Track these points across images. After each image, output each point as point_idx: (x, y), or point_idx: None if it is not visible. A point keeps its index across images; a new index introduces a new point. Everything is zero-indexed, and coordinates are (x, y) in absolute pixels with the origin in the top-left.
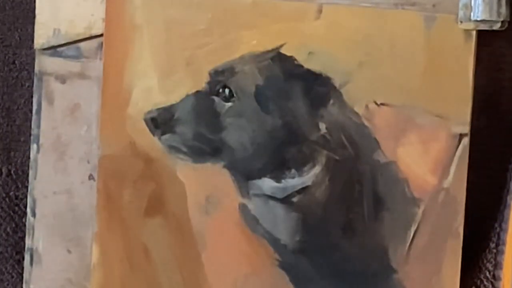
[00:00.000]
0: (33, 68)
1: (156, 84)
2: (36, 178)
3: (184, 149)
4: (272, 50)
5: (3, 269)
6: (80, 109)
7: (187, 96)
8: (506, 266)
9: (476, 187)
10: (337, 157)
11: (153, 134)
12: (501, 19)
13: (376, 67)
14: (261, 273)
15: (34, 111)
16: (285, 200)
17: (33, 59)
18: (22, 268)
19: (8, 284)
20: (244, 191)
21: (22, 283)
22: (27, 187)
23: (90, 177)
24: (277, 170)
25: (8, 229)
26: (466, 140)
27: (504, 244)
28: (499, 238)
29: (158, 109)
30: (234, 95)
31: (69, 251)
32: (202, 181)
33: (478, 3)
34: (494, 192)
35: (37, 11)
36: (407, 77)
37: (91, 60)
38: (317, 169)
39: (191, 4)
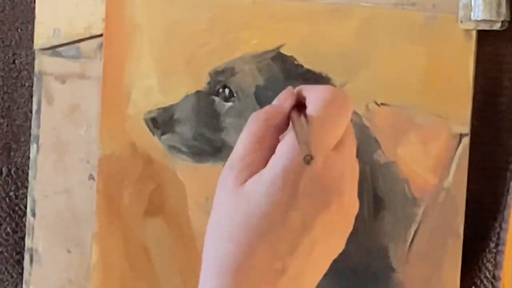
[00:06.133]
0: (33, 68)
1: (156, 84)
2: (36, 178)
3: (184, 149)
4: (272, 50)
5: (3, 269)
6: (80, 109)
7: (187, 96)
8: (506, 266)
9: (476, 187)
10: None
11: (153, 134)
12: (501, 19)
13: (376, 67)
14: None
15: (34, 111)
16: None
17: (33, 59)
18: (22, 268)
19: (8, 284)
20: None
21: (22, 283)
22: (27, 187)
23: (90, 177)
24: None
25: (8, 229)
26: (466, 140)
27: (504, 244)
28: (499, 238)
29: (158, 109)
30: (234, 95)
31: (69, 251)
32: (202, 181)
33: (478, 3)
34: (494, 192)
35: (37, 11)
36: (407, 77)
37: (91, 60)
38: None
39: (191, 4)
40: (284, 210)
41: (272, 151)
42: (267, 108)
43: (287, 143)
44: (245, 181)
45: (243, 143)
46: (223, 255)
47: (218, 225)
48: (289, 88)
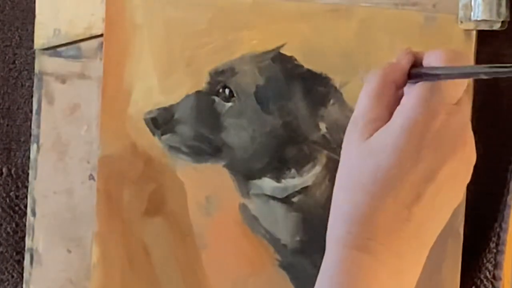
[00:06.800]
0: (33, 68)
1: (156, 84)
2: (36, 178)
3: (184, 149)
4: (272, 50)
5: (3, 269)
6: (80, 109)
7: (187, 96)
8: (506, 266)
9: (476, 187)
10: (337, 157)
11: (153, 134)
12: (501, 19)
13: (376, 67)
14: (261, 273)
15: (34, 111)
16: (285, 200)
17: (33, 59)
18: (22, 268)
19: (8, 284)
20: (244, 191)
21: (22, 283)
22: (27, 187)
23: (90, 177)
24: (277, 170)
25: (8, 229)
26: None
27: (504, 244)
28: (499, 238)
29: (158, 109)
30: (234, 95)
31: (69, 251)
32: (202, 181)
33: (478, 3)
34: (494, 192)
35: (37, 11)
36: None
37: (91, 60)
38: (317, 169)
39: (191, 4)
40: (410, 161)
41: (391, 106)
42: (384, 65)
43: (412, 96)
44: (370, 135)
45: (362, 99)
46: (353, 204)
47: (347, 177)
48: (408, 48)
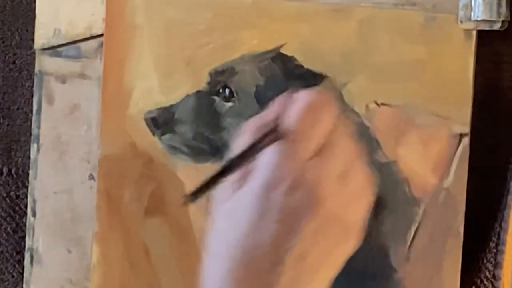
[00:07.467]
0: (33, 68)
1: (156, 84)
2: (36, 178)
3: (185, 149)
4: (272, 50)
5: (3, 269)
6: (80, 109)
7: (187, 96)
8: (506, 266)
9: (476, 187)
10: None
11: (154, 134)
12: (501, 19)
13: (376, 67)
14: None
15: (34, 111)
16: None
17: (33, 59)
18: (22, 268)
19: (8, 284)
20: None
21: (22, 283)
22: (27, 187)
23: (90, 177)
24: None
25: (8, 229)
26: (466, 140)
27: (504, 244)
28: (499, 238)
29: (158, 109)
30: (235, 95)
31: (69, 251)
32: None
33: (478, 3)
34: (494, 192)
35: (37, 11)
36: (407, 77)
37: (91, 60)
38: None
39: (191, 4)
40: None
41: None
42: None
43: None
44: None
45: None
46: None
47: None
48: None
